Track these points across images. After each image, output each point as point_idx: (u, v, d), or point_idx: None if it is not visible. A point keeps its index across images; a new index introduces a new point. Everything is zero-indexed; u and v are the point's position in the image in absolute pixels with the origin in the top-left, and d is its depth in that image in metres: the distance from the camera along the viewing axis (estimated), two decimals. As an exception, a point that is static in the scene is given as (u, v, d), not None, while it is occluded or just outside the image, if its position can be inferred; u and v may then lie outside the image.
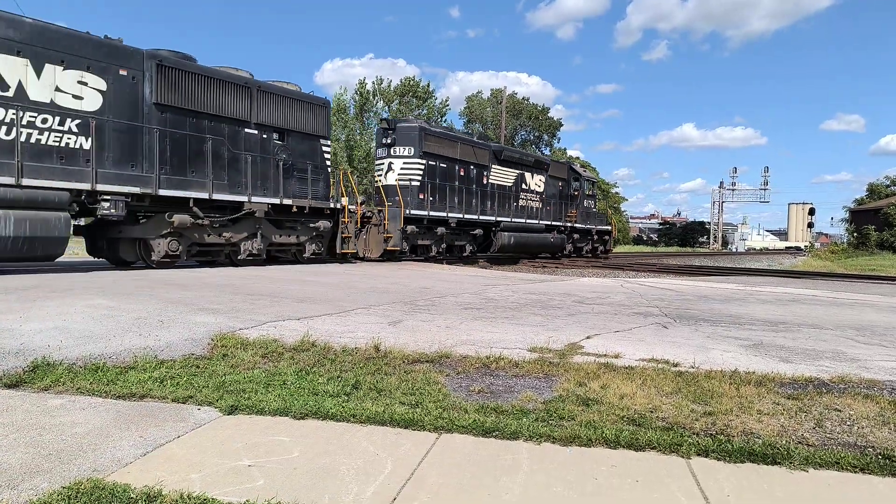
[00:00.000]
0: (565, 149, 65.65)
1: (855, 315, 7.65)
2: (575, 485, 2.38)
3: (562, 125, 63.31)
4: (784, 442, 2.81)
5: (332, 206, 15.52)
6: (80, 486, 2.18)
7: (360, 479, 2.37)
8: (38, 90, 10.15)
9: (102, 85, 11.05)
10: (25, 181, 9.81)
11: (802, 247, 78.56)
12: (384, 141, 19.18)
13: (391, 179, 18.60)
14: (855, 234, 46.66)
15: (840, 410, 3.33)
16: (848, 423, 3.14)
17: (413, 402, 3.32)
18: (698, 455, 2.68)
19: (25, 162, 9.87)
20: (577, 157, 65.11)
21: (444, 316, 6.54)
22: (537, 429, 2.91)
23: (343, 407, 3.17)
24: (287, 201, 14.28)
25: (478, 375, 4.02)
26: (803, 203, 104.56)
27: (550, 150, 63.60)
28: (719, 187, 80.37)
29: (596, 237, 29.34)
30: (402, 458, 2.59)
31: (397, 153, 18.79)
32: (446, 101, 53.22)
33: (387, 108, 50.90)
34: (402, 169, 18.64)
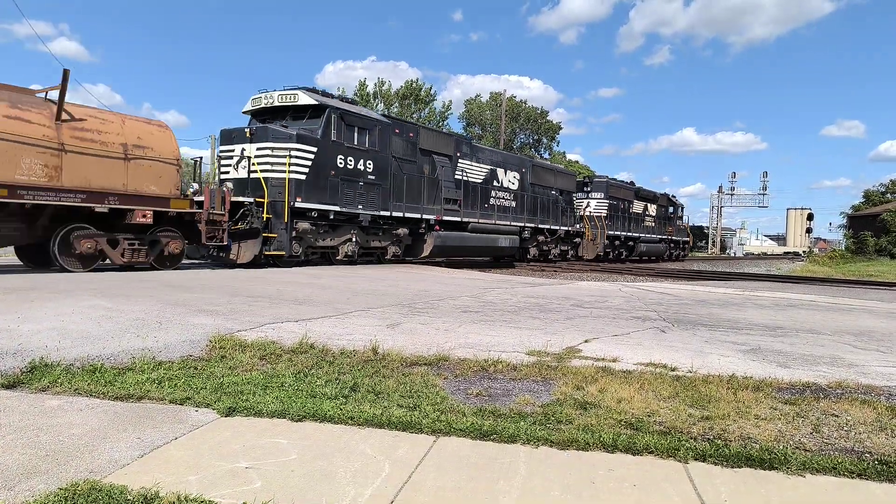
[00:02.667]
0: (564, 152, 65.72)
1: (853, 320, 7.66)
2: (572, 488, 2.38)
3: (561, 128, 63.37)
4: (781, 447, 2.82)
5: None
6: (76, 488, 2.17)
7: (357, 481, 2.37)
8: (506, 181, 22.21)
9: (517, 177, 22.96)
10: (501, 223, 21.47)
11: (801, 252, 78.66)
12: (585, 189, 30.52)
13: (590, 209, 29.38)
14: (853, 240, 46.73)
15: (837, 416, 3.33)
16: (845, 428, 3.14)
17: (411, 405, 3.32)
18: (696, 459, 2.68)
19: (499, 213, 21.48)
20: (577, 161, 65.22)
21: (443, 319, 6.54)
22: (535, 432, 2.91)
23: (341, 409, 3.17)
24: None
25: (476, 379, 4.02)
26: (802, 208, 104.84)
27: (550, 154, 63.67)
28: (718, 192, 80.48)
29: (682, 245, 41.61)
30: (399, 460, 2.59)
31: (592, 197, 30.25)
32: (448, 104, 53.33)
33: (387, 110, 50.95)
34: (596, 206, 29.87)
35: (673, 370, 4.28)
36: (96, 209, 10.64)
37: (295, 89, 14.97)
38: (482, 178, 20.79)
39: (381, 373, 4.03)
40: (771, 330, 6.51)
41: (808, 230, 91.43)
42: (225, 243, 12.80)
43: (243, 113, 16.00)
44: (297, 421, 3.04)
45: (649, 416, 3.23)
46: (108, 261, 11.32)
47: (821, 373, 4.39)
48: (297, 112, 14.87)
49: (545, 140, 63.18)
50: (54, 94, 10.67)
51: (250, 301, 7.26)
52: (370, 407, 3.25)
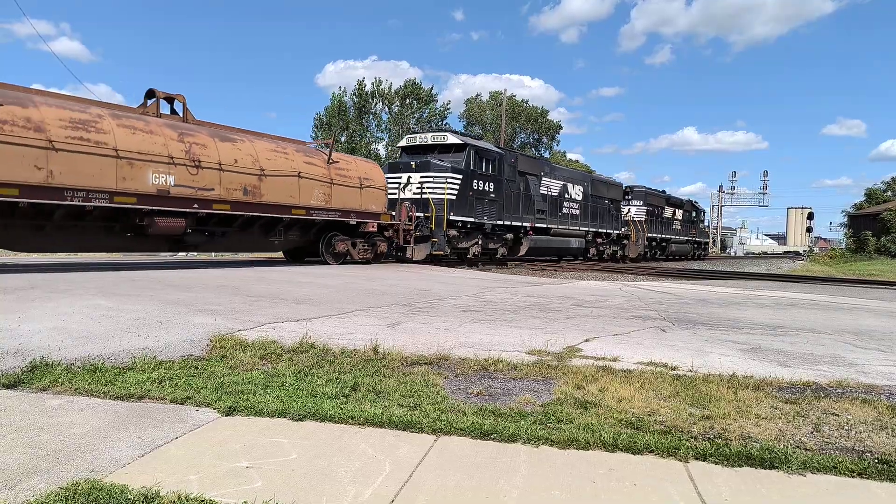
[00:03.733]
0: (565, 152, 65.73)
1: (853, 320, 7.65)
2: (573, 488, 2.38)
3: (561, 128, 63.36)
4: (782, 446, 2.82)
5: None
6: (77, 487, 2.18)
7: (358, 481, 2.37)
8: (573, 194, 26.65)
9: (581, 190, 27.46)
10: (572, 228, 26.09)
11: (801, 251, 78.62)
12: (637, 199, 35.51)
13: (630, 215, 33.39)
14: (853, 239, 46.70)
15: (838, 415, 3.33)
16: (846, 427, 3.14)
17: (411, 405, 3.32)
18: (696, 459, 2.68)
19: (570, 220, 25.97)
20: (578, 161, 65.19)
21: (443, 318, 6.54)
22: (535, 431, 2.91)
23: (341, 409, 3.17)
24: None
25: (476, 378, 4.02)
26: (802, 208, 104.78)
27: (550, 153, 63.64)
28: (719, 191, 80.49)
29: (703, 245, 47.27)
30: (400, 460, 2.59)
31: (635, 203, 34.57)
32: (447, 104, 53.33)
33: (386, 109, 50.91)
34: (636, 212, 34.00)
35: (673, 369, 4.28)
36: (349, 222, 15.63)
37: (444, 132, 21.14)
38: (557, 191, 25.55)
39: (382, 372, 4.03)
40: (771, 329, 6.51)
41: (809, 229, 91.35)
42: (409, 245, 17.65)
43: (398, 147, 22.19)
44: (297, 420, 3.05)
45: (650, 415, 3.23)
46: (343, 257, 16.03)
47: (821, 372, 4.39)
48: (444, 149, 19.71)
49: (545, 139, 63.15)
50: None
51: (251, 300, 7.26)
52: (371, 406, 3.25)
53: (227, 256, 20.94)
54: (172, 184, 11.59)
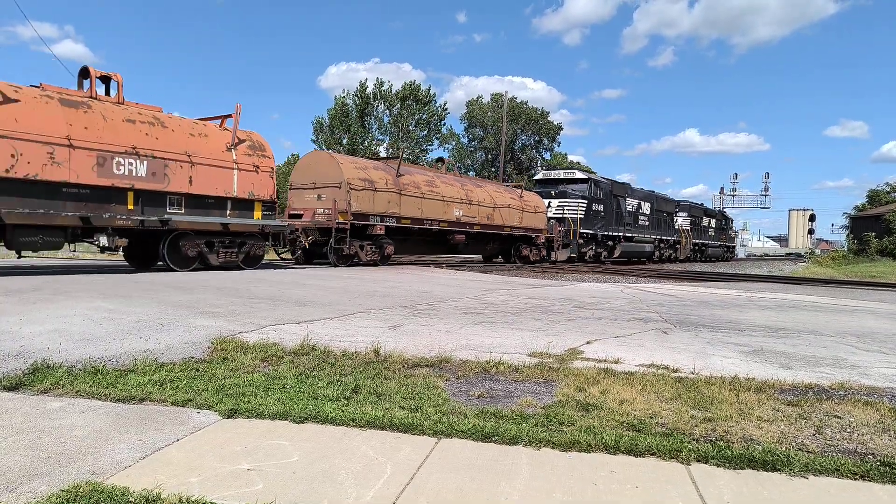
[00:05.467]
0: (566, 154, 65.69)
1: (855, 322, 7.64)
2: (574, 490, 2.38)
3: (562, 129, 63.35)
4: (784, 448, 2.81)
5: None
6: (78, 490, 2.18)
7: (359, 483, 2.37)
8: (644, 208, 33.84)
9: (649, 206, 34.66)
10: (646, 236, 34.42)
11: (803, 253, 78.52)
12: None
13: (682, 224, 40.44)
14: (855, 241, 46.64)
15: (840, 417, 3.32)
16: (848, 429, 3.13)
17: (413, 407, 3.31)
18: (698, 461, 2.67)
19: (644, 230, 34.16)
20: (579, 163, 65.17)
21: (444, 320, 6.54)
22: (537, 434, 2.91)
23: (343, 411, 3.17)
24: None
25: (477, 380, 4.02)
26: (804, 209, 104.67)
27: (551, 155, 63.65)
28: (720, 193, 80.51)
29: (731, 249, 54.57)
30: (401, 462, 2.59)
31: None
32: (445, 104, 53.47)
33: (388, 111, 50.97)
34: (682, 222, 40.50)
35: (675, 371, 4.27)
36: (531, 236, 23.99)
37: (572, 169, 31.92)
38: (634, 208, 33.10)
39: (383, 374, 4.03)
40: (773, 331, 6.50)
41: (811, 231, 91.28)
42: (555, 251, 25.56)
43: (535, 179, 31.48)
44: (298, 422, 3.04)
45: (651, 417, 3.22)
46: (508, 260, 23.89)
47: (823, 374, 4.38)
48: (572, 181, 28.50)
49: (546, 141, 63.16)
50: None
51: (252, 303, 7.26)
52: (372, 408, 3.24)
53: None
54: (461, 215, 20.20)
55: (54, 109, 10.34)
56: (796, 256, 75.34)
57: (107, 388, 3.50)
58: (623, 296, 10.47)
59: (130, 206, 11.29)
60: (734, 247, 57.70)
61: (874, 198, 58.74)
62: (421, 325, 6.10)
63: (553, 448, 2.79)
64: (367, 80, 51.23)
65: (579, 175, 29.25)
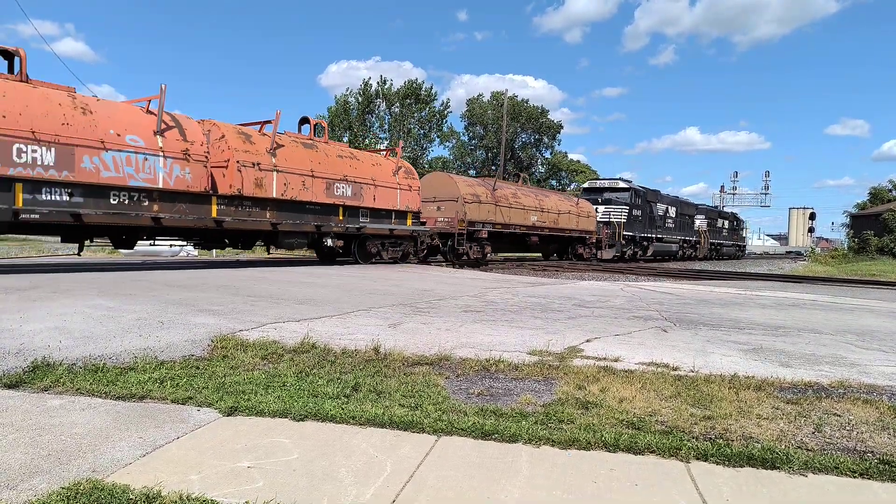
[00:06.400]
0: (566, 152, 65.67)
1: (855, 320, 7.65)
2: (574, 488, 2.38)
3: (562, 127, 63.30)
4: (783, 446, 2.82)
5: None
6: (79, 487, 2.18)
7: (359, 481, 2.37)
8: (671, 212, 38.30)
9: (674, 210, 38.79)
10: (672, 237, 38.69)
11: (803, 251, 78.52)
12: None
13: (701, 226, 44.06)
14: (855, 240, 46.62)
15: (839, 415, 3.33)
16: (847, 427, 3.14)
17: (412, 405, 3.32)
18: (697, 459, 2.68)
19: (672, 232, 38.51)
20: (579, 161, 65.13)
21: (444, 318, 6.54)
22: (536, 432, 2.91)
23: (343, 409, 3.17)
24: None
25: (477, 378, 4.02)
26: (804, 208, 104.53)
27: (551, 153, 63.61)
28: (720, 191, 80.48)
29: (742, 248, 58.32)
30: (401, 460, 2.59)
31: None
32: (446, 102, 53.43)
33: (388, 110, 50.90)
34: (700, 224, 43.64)
35: (675, 370, 4.27)
36: (584, 237, 28.57)
37: (617, 179, 34.17)
38: (663, 213, 37.18)
39: (383, 372, 4.03)
40: (773, 329, 6.50)
41: (811, 229, 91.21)
42: (602, 250, 29.83)
43: (583, 188, 36.17)
44: (298, 420, 3.05)
45: (651, 415, 3.23)
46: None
47: (823, 372, 4.38)
48: (616, 190, 32.78)
49: (546, 139, 63.10)
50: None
51: (252, 300, 7.26)
52: (372, 406, 3.25)
53: (230, 256, 20.97)
54: (536, 220, 24.78)
55: (301, 151, 14.68)
56: (796, 255, 75.29)
57: (107, 385, 3.50)
58: (623, 294, 10.47)
59: (340, 218, 15.51)
60: (745, 245, 61.87)
61: (876, 196, 58.61)
62: (421, 324, 6.11)
63: (553, 446, 2.79)
64: (370, 78, 51.09)
65: (622, 184, 33.26)
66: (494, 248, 23.51)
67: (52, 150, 10.28)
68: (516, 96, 61.39)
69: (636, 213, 32.90)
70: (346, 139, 45.88)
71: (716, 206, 52.22)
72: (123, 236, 12.38)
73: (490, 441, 2.85)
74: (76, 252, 12.87)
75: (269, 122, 14.28)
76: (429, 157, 52.27)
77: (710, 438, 2.93)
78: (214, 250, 18.02)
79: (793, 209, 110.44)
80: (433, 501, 2.24)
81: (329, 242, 15.23)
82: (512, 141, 58.94)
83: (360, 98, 49.29)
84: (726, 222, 52.29)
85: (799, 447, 2.84)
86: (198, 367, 4.02)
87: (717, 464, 2.63)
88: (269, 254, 20.82)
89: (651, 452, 2.74)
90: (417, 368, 4.19)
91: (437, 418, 3.07)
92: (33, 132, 10.07)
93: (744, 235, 60.74)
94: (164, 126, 11.84)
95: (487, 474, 2.48)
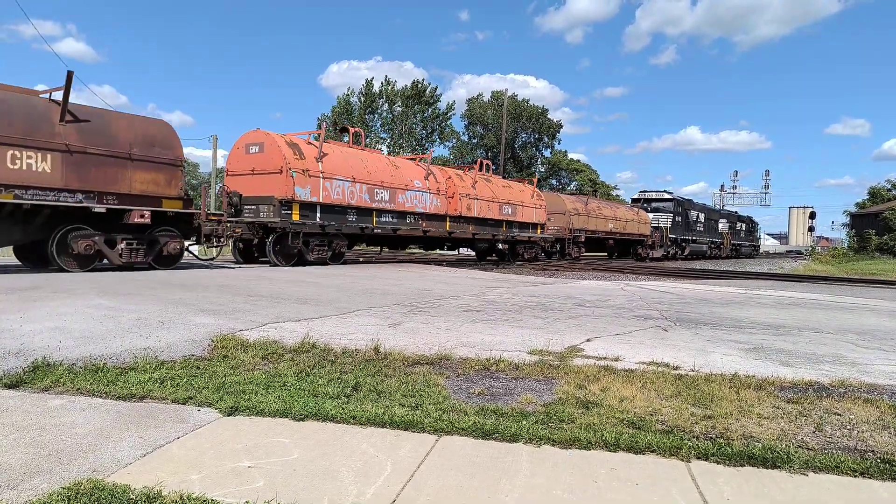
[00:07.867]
0: (566, 151, 65.68)
1: (855, 319, 7.64)
2: (575, 487, 2.38)
3: (561, 127, 63.31)
4: (784, 446, 2.81)
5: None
6: (79, 487, 2.18)
7: (359, 480, 2.37)
8: (700, 218, 46.45)
9: (703, 216, 46.30)
10: (702, 239, 46.13)
11: (803, 250, 78.52)
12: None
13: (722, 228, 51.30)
14: (855, 239, 46.62)
15: (840, 414, 3.33)
16: (848, 427, 3.14)
17: (413, 404, 3.32)
18: (698, 458, 2.68)
19: (702, 235, 45.88)
20: (578, 161, 65.15)
21: (444, 318, 6.54)
22: (537, 431, 2.91)
23: (343, 408, 3.17)
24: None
25: (478, 378, 4.02)
26: (804, 207, 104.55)
27: (551, 152, 63.62)
28: (721, 190, 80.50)
29: (757, 248, 64.47)
30: (401, 459, 2.59)
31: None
32: (451, 104, 53.44)
33: (391, 110, 50.90)
34: (722, 227, 50.70)
35: (675, 369, 4.27)
36: (641, 239, 37.55)
37: (663, 192, 41.72)
38: (695, 218, 43.72)
39: (383, 372, 4.03)
40: (773, 328, 6.50)
41: (811, 228, 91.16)
42: (651, 251, 36.74)
43: (633, 199, 43.50)
44: (299, 420, 3.05)
45: (651, 415, 3.23)
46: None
47: (823, 371, 4.38)
48: (662, 200, 40.39)
49: (546, 139, 63.09)
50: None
51: (252, 300, 7.26)
52: (372, 406, 3.25)
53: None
54: (612, 227, 32.73)
55: (485, 184, 22.73)
56: (796, 254, 75.32)
57: (107, 385, 3.50)
58: (623, 293, 10.47)
59: (504, 230, 23.59)
60: (759, 246, 68.89)
61: (875, 195, 58.64)
62: (421, 323, 6.11)
63: (553, 445, 2.79)
64: (373, 78, 51.05)
65: (667, 195, 41.54)
66: (587, 250, 31.81)
67: (387, 191, 17.80)
68: (517, 96, 61.39)
69: (678, 219, 40.39)
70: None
71: (735, 211, 59.36)
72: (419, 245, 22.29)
73: (490, 441, 2.85)
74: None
75: (472, 165, 24.30)
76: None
77: (711, 438, 2.92)
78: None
79: (793, 208, 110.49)
80: (434, 501, 2.24)
81: (499, 246, 23.99)
82: (512, 140, 58.92)
83: (361, 98, 49.29)
84: (744, 225, 58.98)
85: (800, 446, 2.84)
86: (198, 367, 4.02)
87: (718, 463, 2.63)
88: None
89: (652, 452, 2.74)
90: (418, 368, 4.19)
91: (438, 418, 3.07)
92: (381, 182, 17.64)
93: (758, 237, 67.09)
94: (427, 172, 19.96)
95: (488, 474, 2.48)
